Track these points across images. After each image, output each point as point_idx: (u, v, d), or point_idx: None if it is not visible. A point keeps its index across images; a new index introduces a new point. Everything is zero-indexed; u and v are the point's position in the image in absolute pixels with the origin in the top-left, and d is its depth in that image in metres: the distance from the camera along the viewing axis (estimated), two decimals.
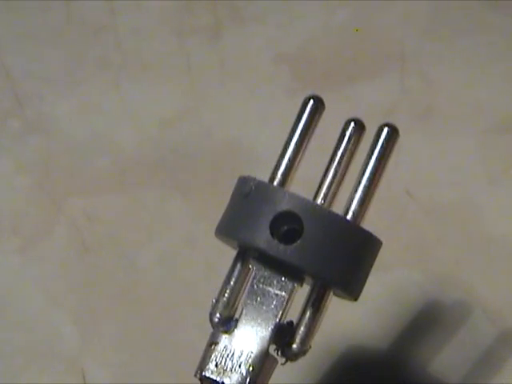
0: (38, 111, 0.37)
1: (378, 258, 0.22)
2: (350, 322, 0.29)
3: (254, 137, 0.35)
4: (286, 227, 0.21)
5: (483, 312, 0.30)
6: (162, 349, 0.30)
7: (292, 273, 0.22)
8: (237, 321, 0.21)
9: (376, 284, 0.30)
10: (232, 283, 0.22)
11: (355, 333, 0.30)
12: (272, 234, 0.21)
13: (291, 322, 0.22)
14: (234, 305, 0.22)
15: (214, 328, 0.22)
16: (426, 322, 0.30)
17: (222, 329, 0.21)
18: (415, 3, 0.39)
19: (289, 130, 0.23)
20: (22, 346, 0.31)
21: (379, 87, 0.37)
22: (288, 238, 0.21)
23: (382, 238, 0.22)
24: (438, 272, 0.31)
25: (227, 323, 0.21)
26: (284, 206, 0.21)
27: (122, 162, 0.35)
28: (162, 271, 0.32)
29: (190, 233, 0.33)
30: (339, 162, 0.23)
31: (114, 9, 0.40)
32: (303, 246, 0.21)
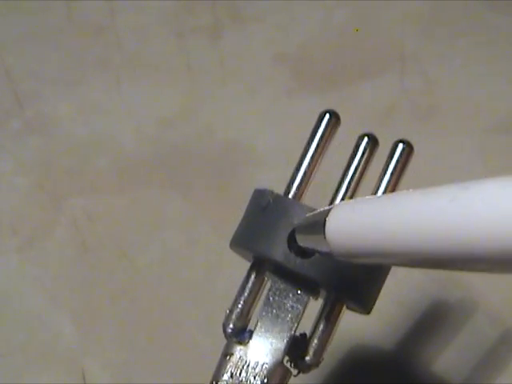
0: (38, 111, 0.37)
1: None
2: (353, 322, 0.29)
3: (254, 136, 0.35)
4: None
5: (484, 312, 0.30)
6: (162, 349, 0.30)
7: (307, 286, 0.22)
8: (251, 332, 0.22)
9: None
10: (246, 294, 0.22)
11: (357, 333, 0.30)
12: (289, 247, 0.21)
13: (304, 334, 0.22)
14: (247, 315, 0.22)
15: (227, 339, 0.22)
16: (428, 322, 0.30)
17: (235, 339, 0.21)
18: (415, 3, 0.39)
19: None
20: (22, 345, 0.31)
21: (379, 87, 0.37)
22: (304, 251, 0.21)
23: None
24: (440, 273, 0.31)
25: (240, 334, 0.22)
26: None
27: (121, 162, 0.35)
28: (161, 271, 0.32)
29: (190, 233, 0.33)
30: (352, 177, 0.23)
31: (114, 9, 0.40)
32: (320, 260, 0.21)
